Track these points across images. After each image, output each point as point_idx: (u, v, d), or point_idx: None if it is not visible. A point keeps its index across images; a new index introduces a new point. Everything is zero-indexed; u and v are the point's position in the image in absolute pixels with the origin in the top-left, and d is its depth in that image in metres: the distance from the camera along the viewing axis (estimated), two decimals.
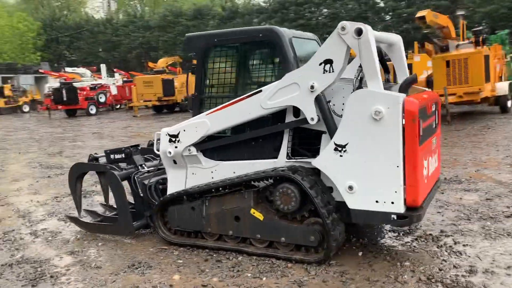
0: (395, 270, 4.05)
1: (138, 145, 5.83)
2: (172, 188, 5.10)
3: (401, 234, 4.93)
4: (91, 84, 28.24)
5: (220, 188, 4.72)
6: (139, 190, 5.34)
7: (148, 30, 47.37)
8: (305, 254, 4.34)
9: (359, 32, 3.97)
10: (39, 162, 10.73)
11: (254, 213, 4.49)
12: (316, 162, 4.31)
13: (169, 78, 24.29)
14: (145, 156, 5.81)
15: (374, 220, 4.14)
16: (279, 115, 4.60)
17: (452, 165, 8.08)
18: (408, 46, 19.51)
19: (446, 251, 4.39)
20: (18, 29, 48.53)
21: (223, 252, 4.63)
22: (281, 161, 4.60)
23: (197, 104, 5.09)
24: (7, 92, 30.39)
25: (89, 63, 46.45)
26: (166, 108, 25.74)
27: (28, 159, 11.42)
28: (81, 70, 31.16)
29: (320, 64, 4.19)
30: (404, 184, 3.96)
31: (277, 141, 4.65)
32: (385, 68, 5.13)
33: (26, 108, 30.24)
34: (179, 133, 4.96)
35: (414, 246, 4.58)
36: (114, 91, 28.09)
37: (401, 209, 3.98)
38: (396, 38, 5.01)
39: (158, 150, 5.16)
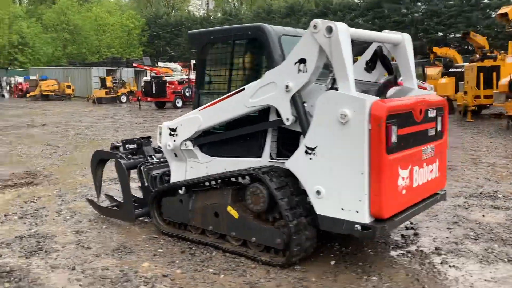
0: (357, 284, 3.83)
1: (150, 137, 6.13)
2: (174, 179, 5.30)
3: (391, 247, 4.61)
4: (180, 79, 29.83)
5: (206, 183, 4.83)
6: (144, 179, 5.63)
7: None
8: (272, 256, 4.27)
9: (329, 30, 3.80)
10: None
11: (230, 210, 4.52)
12: (288, 164, 4.22)
13: None
14: (156, 148, 6.09)
15: (339, 228, 3.94)
16: (264, 114, 4.57)
17: (501, 178, 7.28)
18: None
19: (426, 271, 4.04)
20: (127, 26, 52.87)
21: (202, 246, 4.73)
22: (265, 160, 4.56)
23: (197, 99, 5.23)
24: (108, 83, 33.31)
25: (187, 58, 49.07)
26: None
27: (98, 145, 12.48)
28: (172, 65, 33.07)
29: (295, 63, 4.09)
30: (369, 193, 3.72)
31: (262, 140, 4.62)
32: (389, 70, 4.83)
33: (124, 99, 32.80)
34: (177, 127, 5.14)
35: (395, 261, 4.27)
36: None
37: (365, 219, 3.75)
38: (400, 38, 4.67)
39: (160, 143, 5.40)
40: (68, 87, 36.81)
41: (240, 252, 4.45)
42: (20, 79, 39.35)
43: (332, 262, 4.26)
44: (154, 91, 26.86)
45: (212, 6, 60.28)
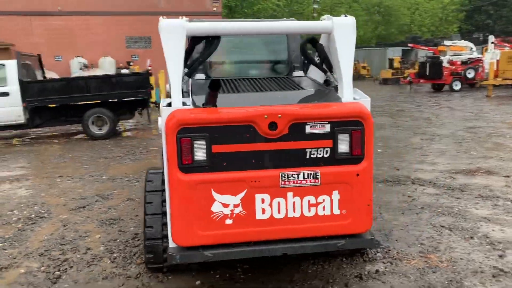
0: None
1: None
2: None
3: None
4: (468, 58, 26.60)
5: None
6: None
7: None
8: None
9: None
10: None
11: None
12: None
13: None
14: None
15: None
16: None
17: None
18: None
19: None
20: (442, 3, 49.79)
21: None
22: None
23: None
24: (396, 64, 32.84)
25: (509, 33, 42.31)
26: None
27: None
28: (463, 42, 29.40)
29: None
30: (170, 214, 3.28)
31: None
32: (326, 67, 3.78)
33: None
34: None
35: None
36: (487, 66, 25.23)
37: (170, 243, 3.34)
38: (328, 25, 3.52)
39: None
40: (364, 67, 38.40)
41: None
42: None
43: (198, 283, 3.87)
44: (428, 73, 25.06)
45: None
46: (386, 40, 48.26)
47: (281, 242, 3.33)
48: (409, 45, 31.02)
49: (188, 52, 3.66)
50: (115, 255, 4.55)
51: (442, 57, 25.81)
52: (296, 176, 3.24)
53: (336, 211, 3.32)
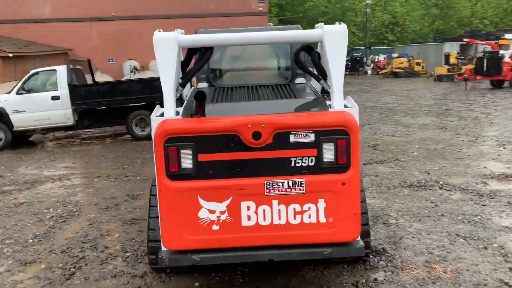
0: None
1: None
2: None
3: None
4: None
5: None
6: None
7: None
8: None
9: None
10: None
11: None
12: None
13: None
14: None
15: None
16: None
17: None
18: None
19: None
20: None
21: None
22: None
23: None
24: (452, 60, 31.33)
25: None
26: None
27: None
28: None
29: None
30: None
31: None
32: (319, 75, 3.78)
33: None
34: None
35: None
36: None
37: (162, 246, 3.50)
38: (318, 33, 3.53)
39: None
40: (418, 64, 37.00)
41: None
42: (381, 57, 42.41)
43: (196, 284, 4.01)
44: (485, 68, 23.78)
45: None
46: (445, 34, 46.21)
47: (268, 249, 3.39)
48: (464, 40, 29.49)
49: (185, 63, 3.80)
50: (128, 254, 4.80)
51: (503, 51, 24.31)
52: (280, 184, 3.29)
53: (322, 220, 3.33)
